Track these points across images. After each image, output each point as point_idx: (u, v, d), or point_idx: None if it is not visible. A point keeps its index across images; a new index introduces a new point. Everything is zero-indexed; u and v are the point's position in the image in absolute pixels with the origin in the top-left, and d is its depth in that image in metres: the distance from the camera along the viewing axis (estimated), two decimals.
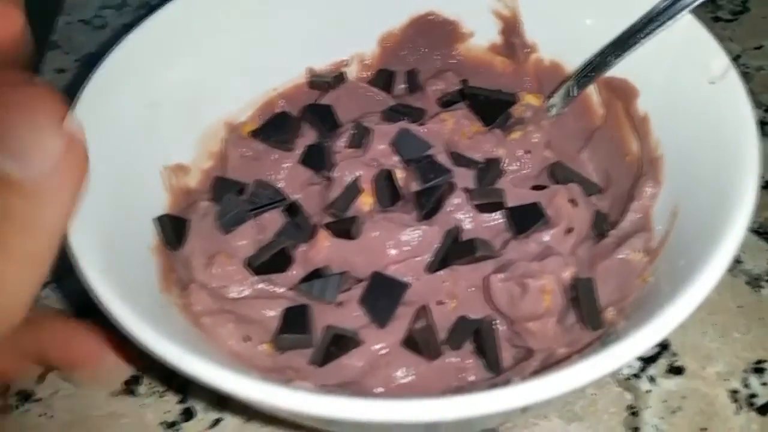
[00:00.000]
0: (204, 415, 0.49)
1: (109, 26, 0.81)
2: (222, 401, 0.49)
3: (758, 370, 0.49)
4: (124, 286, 0.34)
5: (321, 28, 0.54)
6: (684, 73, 0.44)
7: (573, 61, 0.53)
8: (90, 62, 0.49)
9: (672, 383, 0.49)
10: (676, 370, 0.50)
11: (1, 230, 0.21)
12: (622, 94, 0.49)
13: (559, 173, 0.49)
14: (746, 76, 0.59)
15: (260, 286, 0.44)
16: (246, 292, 0.43)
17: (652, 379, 0.49)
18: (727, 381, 0.49)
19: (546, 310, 0.39)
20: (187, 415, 0.49)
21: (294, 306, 0.42)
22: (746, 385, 0.49)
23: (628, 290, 0.41)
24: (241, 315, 0.41)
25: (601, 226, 0.46)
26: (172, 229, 0.45)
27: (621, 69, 0.49)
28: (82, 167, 0.24)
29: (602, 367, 0.31)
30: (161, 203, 0.48)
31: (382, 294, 0.42)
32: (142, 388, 0.50)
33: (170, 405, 0.50)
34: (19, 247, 0.22)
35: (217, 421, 0.48)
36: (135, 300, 0.34)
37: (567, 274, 0.40)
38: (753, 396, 0.48)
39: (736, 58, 0.63)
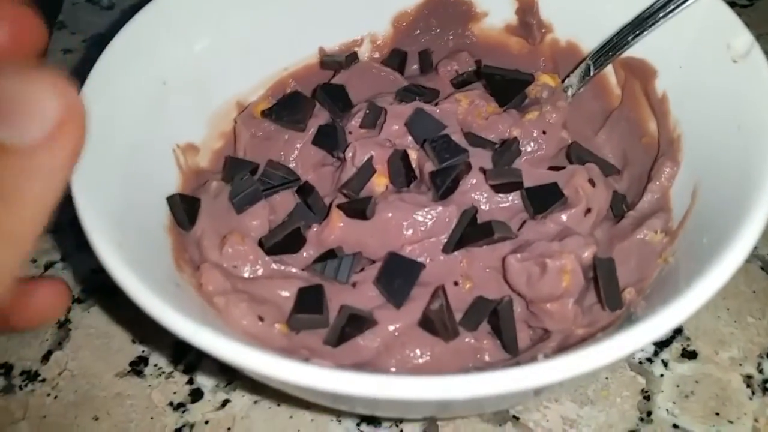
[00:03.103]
0: (212, 397, 0.48)
1: (117, 6, 0.80)
2: (230, 382, 0.49)
3: None
4: (138, 262, 0.34)
5: (333, 7, 0.54)
6: (705, 51, 0.43)
7: (590, 41, 0.52)
8: (97, 42, 0.48)
9: (685, 368, 0.49)
10: (689, 355, 0.49)
11: None
12: (641, 73, 0.48)
13: (576, 154, 0.48)
14: None
15: (273, 266, 0.43)
16: (259, 272, 0.43)
17: (665, 364, 0.49)
18: (741, 366, 0.48)
19: (565, 290, 0.39)
20: (195, 396, 0.49)
21: (308, 286, 0.41)
22: (760, 371, 0.48)
23: (648, 271, 0.40)
24: (255, 295, 0.41)
25: (619, 206, 0.45)
26: (184, 209, 0.44)
27: (639, 48, 0.48)
28: (79, 139, 0.21)
29: (620, 349, 0.30)
30: (173, 182, 0.47)
31: (398, 274, 0.41)
32: (149, 369, 0.50)
33: (178, 386, 0.49)
34: (2, 222, 0.20)
35: (225, 402, 0.48)
36: (150, 276, 0.34)
37: (587, 254, 0.39)
38: (767, 381, 0.47)
39: None
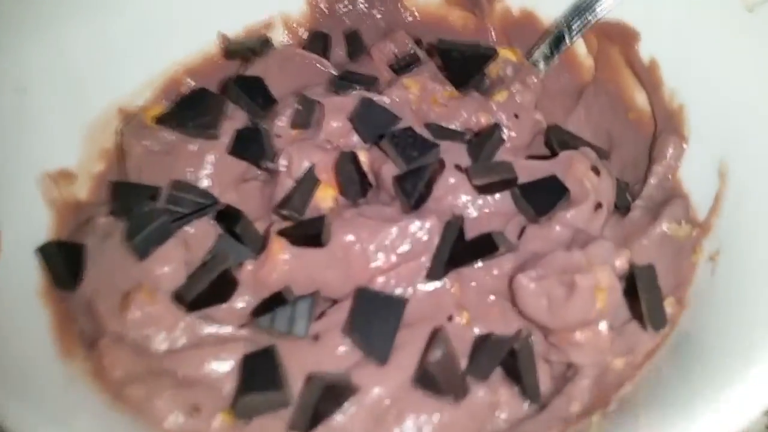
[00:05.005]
0: None
1: None
2: None
3: None
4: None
5: None
6: (705, 5, 0.36)
7: (549, 8, 0.44)
8: None
9: None
10: None
11: None
12: (618, 38, 0.41)
13: (557, 138, 0.40)
14: None
15: (200, 328, 0.31)
16: (181, 341, 0.31)
17: None
18: None
19: (599, 312, 0.30)
20: None
21: (254, 352, 0.30)
22: None
23: (683, 273, 0.33)
24: (181, 376, 0.29)
25: (623, 196, 0.37)
26: (63, 261, 0.32)
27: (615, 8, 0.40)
28: None
29: None
30: (43, 225, 0.34)
31: (375, 316, 0.31)
32: None
33: None
34: None
35: None
36: (20, 379, 0.21)
37: (621, 262, 0.31)
38: None
39: None
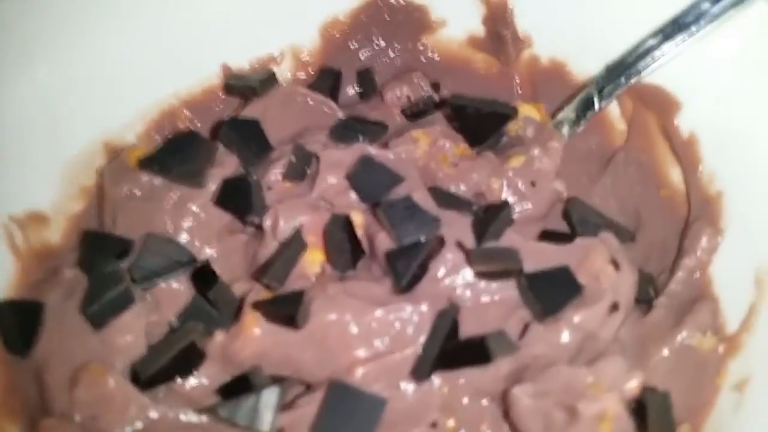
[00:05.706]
0: None
1: None
2: None
3: None
4: None
5: (241, 10, 0.42)
6: (761, 73, 0.32)
7: (581, 60, 0.41)
8: None
9: None
10: None
11: None
12: (656, 106, 0.37)
13: (577, 214, 0.36)
14: None
15: (154, 412, 0.28)
16: (132, 426, 0.28)
17: None
18: None
19: None
20: None
21: None
22: None
23: (703, 396, 0.29)
24: None
25: (646, 290, 0.33)
26: (16, 322, 0.29)
27: (655, 72, 0.36)
28: None
29: None
30: (4, 275, 0.32)
31: (347, 418, 0.28)
32: None
33: None
34: None
35: None
36: None
37: (632, 385, 0.27)
38: None
39: None
